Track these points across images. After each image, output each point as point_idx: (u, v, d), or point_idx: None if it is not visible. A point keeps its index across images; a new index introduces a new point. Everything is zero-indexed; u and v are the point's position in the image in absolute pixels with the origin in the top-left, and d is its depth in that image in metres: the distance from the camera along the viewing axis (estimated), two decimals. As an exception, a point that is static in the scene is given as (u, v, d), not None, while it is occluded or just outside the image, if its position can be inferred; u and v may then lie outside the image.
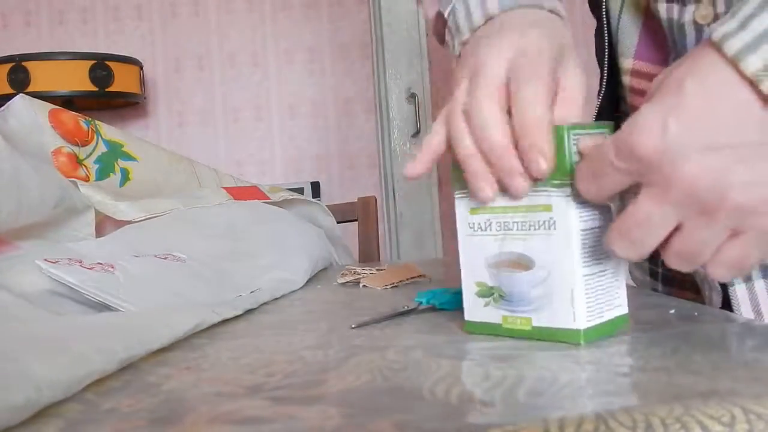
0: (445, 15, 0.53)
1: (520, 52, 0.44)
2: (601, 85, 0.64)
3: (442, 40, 0.57)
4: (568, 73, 0.45)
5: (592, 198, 0.40)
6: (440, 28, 0.56)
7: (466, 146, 0.43)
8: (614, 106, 0.65)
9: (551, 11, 0.49)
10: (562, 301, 0.42)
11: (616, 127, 0.63)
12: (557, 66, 0.44)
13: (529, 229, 0.43)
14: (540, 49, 0.44)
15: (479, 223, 0.45)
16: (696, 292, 0.62)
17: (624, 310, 0.45)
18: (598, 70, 0.65)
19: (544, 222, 0.42)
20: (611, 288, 0.44)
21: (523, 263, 0.44)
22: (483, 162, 0.43)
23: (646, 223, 0.37)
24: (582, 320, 0.42)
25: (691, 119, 0.35)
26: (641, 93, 0.60)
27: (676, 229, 0.37)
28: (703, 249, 0.37)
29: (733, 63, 0.35)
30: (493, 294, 0.45)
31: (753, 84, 0.35)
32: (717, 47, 0.36)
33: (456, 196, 0.47)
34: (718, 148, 0.35)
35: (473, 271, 0.46)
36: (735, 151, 0.35)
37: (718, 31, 0.36)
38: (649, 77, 0.59)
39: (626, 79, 0.61)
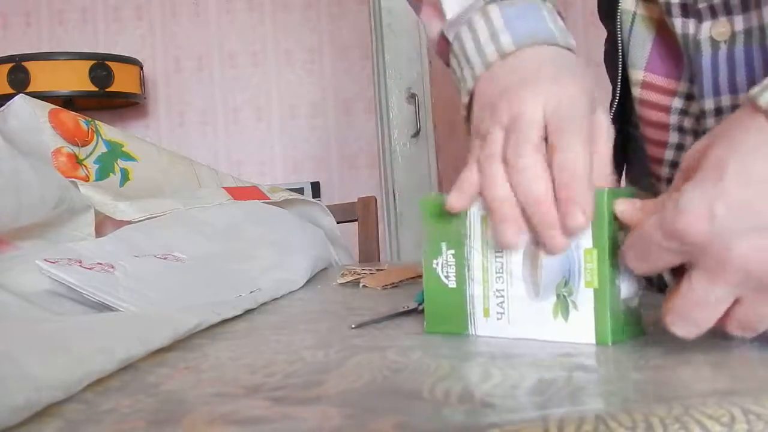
0: (450, 39, 0.52)
1: (557, 102, 0.43)
2: (614, 96, 0.63)
3: (446, 61, 0.56)
4: (600, 129, 0.45)
5: (643, 273, 0.40)
6: (443, 47, 0.55)
7: (501, 191, 0.43)
8: (626, 116, 0.65)
9: (567, 48, 0.49)
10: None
11: (628, 163, 0.61)
12: (590, 118, 0.44)
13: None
14: (574, 100, 0.44)
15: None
16: None
17: None
18: (605, 75, 0.65)
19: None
20: None
21: None
22: (517, 209, 0.43)
23: (704, 303, 0.37)
24: None
25: (736, 202, 0.35)
26: (650, 105, 0.60)
27: (735, 301, 0.37)
28: (764, 320, 0.37)
29: None
30: None
31: None
32: (758, 109, 0.36)
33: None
34: (764, 228, 0.35)
35: None
36: None
37: (762, 95, 0.36)
38: (660, 90, 0.59)
39: (636, 91, 0.60)
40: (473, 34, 0.50)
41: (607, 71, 0.65)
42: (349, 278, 0.80)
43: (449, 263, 0.47)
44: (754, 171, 0.35)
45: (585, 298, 0.42)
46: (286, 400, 0.34)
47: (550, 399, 0.32)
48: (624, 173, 0.71)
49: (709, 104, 0.54)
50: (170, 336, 0.47)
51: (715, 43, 0.53)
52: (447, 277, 0.47)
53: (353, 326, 0.52)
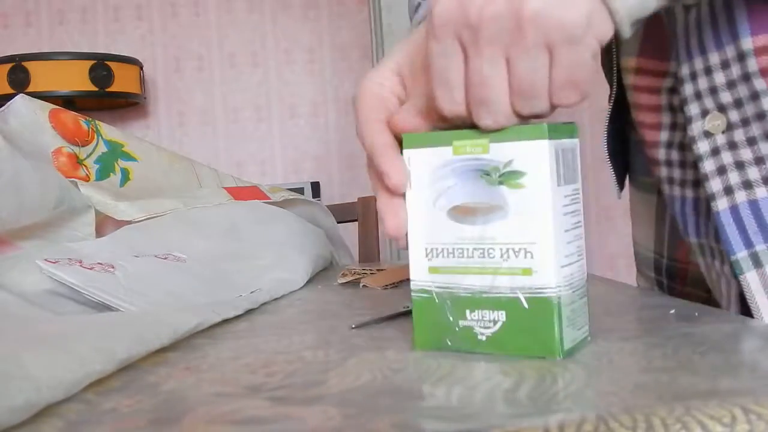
0: None
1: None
2: (611, 88, 0.64)
3: None
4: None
5: (448, 105, 0.41)
6: None
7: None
8: (625, 113, 0.65)
9: None
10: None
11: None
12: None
13: None
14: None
15: None
16: (706, 291, 0.62)
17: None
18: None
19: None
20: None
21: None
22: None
23: (443, 63, 0.39)
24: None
25: None
26: (644, 90, 0.60)
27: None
28: (534, 76, 0.38)
29: None
30: None
31: None
32: None
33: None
34: None
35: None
36: None
37: None
38: (653, 73, 0.59)
39: (629, 78, 0.61)
40: None
41: (602, 67, 0.66)
42: (349, 278, 0.80)
43: (477, 319, 0.41)
44: None
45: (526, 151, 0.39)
46: (286, 400, 0.34)
47: (551, 399, 0.32)
48: (628, 175, 0.71)
49: (684, 70, 0.54)
50: (170, 336, 0.47)
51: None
52: (493, 322, 0.41)
53: (353, 326, 0.52)
